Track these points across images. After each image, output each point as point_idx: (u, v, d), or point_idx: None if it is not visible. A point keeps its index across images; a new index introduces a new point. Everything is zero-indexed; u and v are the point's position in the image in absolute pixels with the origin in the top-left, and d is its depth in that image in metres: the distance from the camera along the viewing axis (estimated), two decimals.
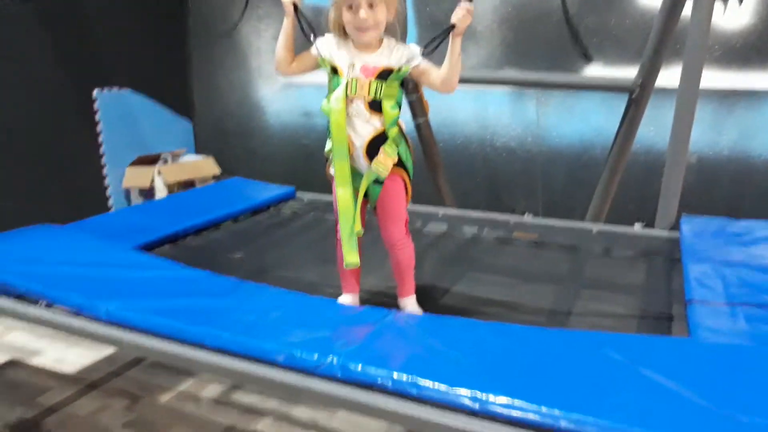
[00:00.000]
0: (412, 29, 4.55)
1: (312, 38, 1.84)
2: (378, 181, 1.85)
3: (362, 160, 1.82)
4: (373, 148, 1.81)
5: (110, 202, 4.94)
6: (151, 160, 5.05)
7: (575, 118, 4.22)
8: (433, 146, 3.55)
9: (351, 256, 1.83)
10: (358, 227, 1.84)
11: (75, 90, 4.62)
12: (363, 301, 2.01)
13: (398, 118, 1.84)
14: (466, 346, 1.59)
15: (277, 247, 2.65)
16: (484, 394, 1.35)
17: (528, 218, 2.84)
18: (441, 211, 3.02)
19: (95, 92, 4.76)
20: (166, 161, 5.11)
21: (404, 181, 1.88)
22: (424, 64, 1.80)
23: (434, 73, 1.79)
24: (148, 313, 1.79)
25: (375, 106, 1.78)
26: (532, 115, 4.35)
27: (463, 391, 1.37)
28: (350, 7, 1.73)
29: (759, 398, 1.30)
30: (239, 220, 3.02)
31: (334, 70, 1.81)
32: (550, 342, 1.60)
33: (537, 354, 1.54)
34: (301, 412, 2.53)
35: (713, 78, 3.85)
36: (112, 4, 4.71)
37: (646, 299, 2.07)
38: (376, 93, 1.77)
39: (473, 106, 4.53)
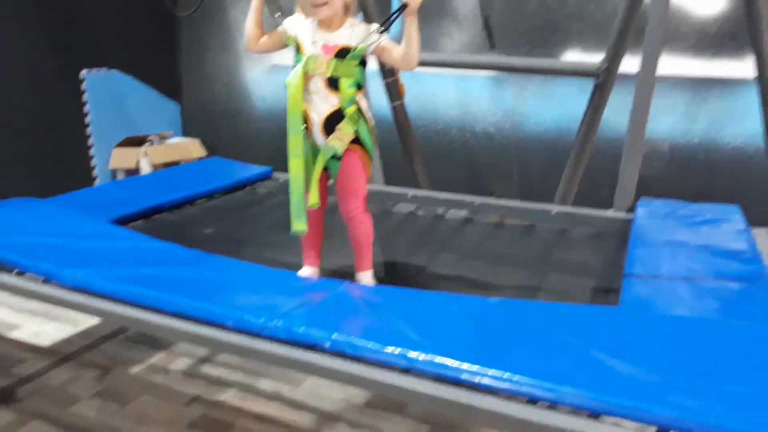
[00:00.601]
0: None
1: (277, 16, 1.91)
2: (337, 157, 1.93)
3: (320, 136, 1.91)
4: (330, 124, 1.89)
5: (96, 182, 5.03)
6: (137, 142, 5.13)
7: (553, 104, 4.30)
8: (408, 130, 3.63)
9: (298, 224, 1.91)
10: (314, 200, 1.93)
11: (63, 70, 4.70)
12: (326, 275, 2.10)
13: (355, 97, 1.90)
14: (406, 311, 1.69)
15: (248, 224, 2.74)
16: (414, 353, 1.45)
17: (493, 200, 2.93)
18: (411, 192, 3.11)
19: (83, 73, 4.83)
20: (152, 143, 5.19)
21: (363, 158, 1.96)
22: (385, 42, 1.86)
23: (395, 51, 1.86)
24: (111, 280, 1.88)
25: (333, 83, 1.86)
26: (512, 101, 4.43)
27: (393, 350, 1.47)
28: None
29: (664, 358, 1.40)
30: (214, 198, 3.11)
31: (298, 48, 1.90)
32: (481, 308, 1.70)
33: (467, 318, 1.65)
34: (266, 384, 2.63)
35: (687, 66, 3.93)
36: None
37: (592, 275, 2.17)
38: (333, 70, 1.85)
39: (454, 92, 4.61)
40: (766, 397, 1.24)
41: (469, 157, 4.65)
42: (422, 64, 3.45)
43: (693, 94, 3.93)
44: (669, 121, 4.01)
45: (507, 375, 1.34)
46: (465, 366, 1.38)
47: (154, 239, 2.27)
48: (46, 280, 2.00)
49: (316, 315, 1.68)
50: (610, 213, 2.71)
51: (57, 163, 4.71)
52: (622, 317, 1.65)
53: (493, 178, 4.59)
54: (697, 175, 3.94)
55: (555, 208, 2.81)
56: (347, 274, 2.07)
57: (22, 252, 2.07)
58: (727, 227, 2.37)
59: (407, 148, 3.66)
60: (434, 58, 3.88)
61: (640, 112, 2.63)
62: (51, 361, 2.83)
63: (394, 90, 3.47)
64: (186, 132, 5.75)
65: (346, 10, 1.88)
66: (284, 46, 1.96)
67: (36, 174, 4.41)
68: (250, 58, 5.36)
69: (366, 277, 2.06)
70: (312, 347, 1.58)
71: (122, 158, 5.02)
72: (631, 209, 2.69)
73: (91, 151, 5.03)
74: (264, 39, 1.96)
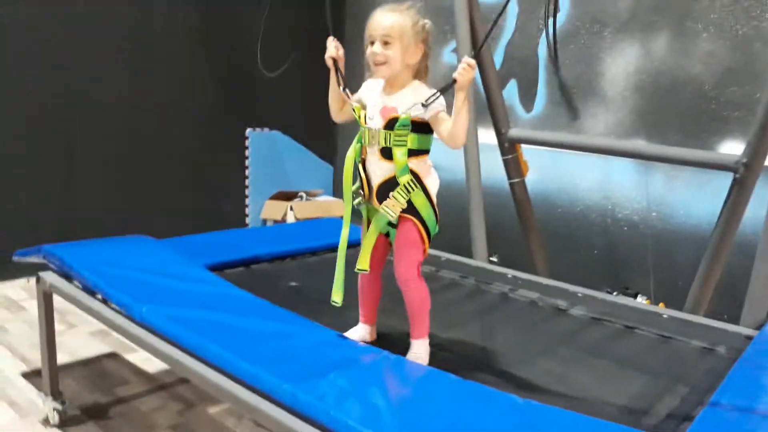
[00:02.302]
0: (542, 90, 4.52)
1: (344, 90, 1.97)
2: (394, 225, 1.92)
3: (375, 202, 1.90)
4: (384, 191, 1.88)
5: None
6: (288, 196, 5.50)
7: (706, 196, 3.85)
8: (526, 208, 3.46)
9: (336, 294, 1.96)
10: (364, 265, 1.92)
11: (231, 128, 5.24)
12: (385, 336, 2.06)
13: (409, 165, 1.84)
14: (433, 400, 1.55)
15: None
16: None
17: (599, 293, 2.65)
18: (511, 273, 2.92)
19: (248, 131, 5.34)
20: (301, 198, 5.53)
21: (417, 228, 1.90)
22: (441, 114, 1.82)
23: (444, 125, 1.81)
24: (169, 319, 1.99)
25: (386, 153, 1.85)
26: (659, 189, 4.05)
27: None
28: (371, 43, 1.85)
29: None
30: (318, 255, 3.19)
31: (360, 117, 1.92)
32: (509, 410, 1.50)
33: (493, 417, 1.46)
34: None
35: None
36: (274, 57, 5.28)
37: (677, 395, 1.83)
38: (385, 141, 1.84)
39: (597, 174, 4.33)
40: None
41: (608, 245, 4.29)
42: (560, 146, 3.33)
43: None
44: None
45: None
46: None
47: (230, 285, 2.36)
48: (122, 312, 2.17)
49: (327, 385, 1.60)
50: (732, 327, 2.30)
51: (217, 209, 5.20)
52: None
53: (633, 272, 4.17)
54: None
55: (667, 313, 2.45)
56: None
57: (108, 282, 2.27)
58: None
59: (525, 228, 3.47)
60: (572, 141, 3.70)
61: None
62: (149, 387, 3.02)
63: (513, 167, 3.35)
64: (336, 193, 6.05)
65: (413, 73, 1.87)
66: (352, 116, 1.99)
67: (197, 218, 4.88)
68: None
69: (418, 346, 1.96)
70: (312, 422, 1.50)
71: (272, 209, 5.40)
72: (761, 326, 2.26)
73: (247, 201, 5.49)
74: (346, 109, 2.01)
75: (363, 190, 1.92)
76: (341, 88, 1.97)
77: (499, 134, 3.49)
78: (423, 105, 1.80)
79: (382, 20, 1.82)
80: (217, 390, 1.73)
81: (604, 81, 4.20)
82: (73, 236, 3.08)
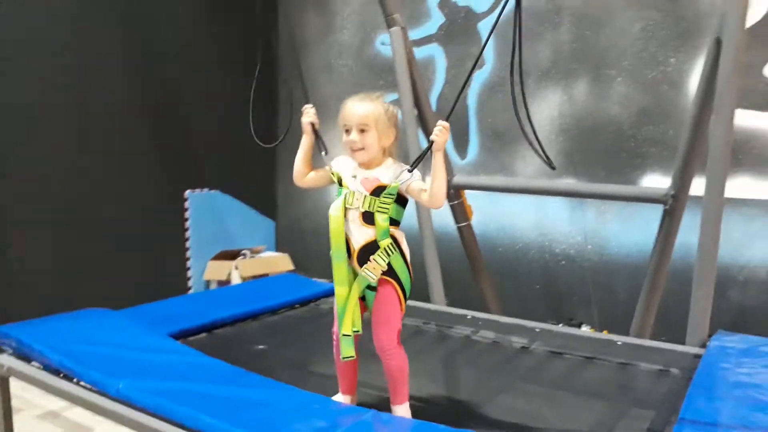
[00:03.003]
0: (474, 137, 4.76)
1: (324, 154, 2.06)
2: (372, 288, 1.97)
3: (356, 264, 1.96)
4: (365, 254, 1.94)
5: (190, 292, 5.34)
6: (231, 255, 5.45)
7: (635, 228, 4.14)
8: (475, 250, 3.61)
9: (345, 351, 1.94)
10: (348, 327, 1.94)
11: (169, 189, 5.18)
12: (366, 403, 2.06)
13: (389, 230, 1.94)
14: None
15: (303, 342, 2.77)
16: None
17: (554, 327, 2.80)
18: (470, 314, 3.04)
19: (187, 192, 5.29)
20: (245, 256, 5.49)
21: (396, 291, 1.96)
22: (415, 182, 1.93)
23: (423, 191, 1.91)
24: (146, 393, 1.97)
25: (368, 217, 1.94)
26: (592, 224, 4.32)
27: None
28: (347, 131, 1.95)
29: None
30: (278, 314, 3.20)
31: (341, 182, 2.01)
32: None
33: None
34: None
35: None
36: (214, 116, 5.31)
37: (645, 416, 1.97)
38: (369, 206, 1.93)
39: (533, 213, 4.57)
40: None
41: (548, 279, 4.51)
42: (497, 189, 3.50)
43: None
44: (765, 247, 3.71)
45: None
46: None
47: (200, 354, 2.35)
48: (96, 390, 2.12)
49: None
50: (679, 347, 2.49)
51: (156, 273, 5.07)
52: None
53: (574, 303, 4.39)
54: None
55: (621, 339, 2.62)
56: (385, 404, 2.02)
57: (77, 360, 2.21)
58: None
59: (474, 269, 3.62)
60: (507, 183, 3.93)
61: (708, 238, 2.47)
62: None
63: (459, 211, 3.50)
64: (279, 247, 6.05)
65: (385, 152, 1.98)
66: (330, 182, 2.07)
67: (136, 283, 4.75)
68: None
69: (400, 411, 2.00)
70: None
71: (215, 270, 5.33)
72: (705, 344, 2.46)
73: (188, 263, 5.39)
74: (311, 175, 2.09)
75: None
76: (323, 153, 2.05)
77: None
78: (409, 170, 1.91)
79: (356, 109, 1.93)
80: None
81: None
82: (9, 306, 2.95)
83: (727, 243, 3.53)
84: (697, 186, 2.98)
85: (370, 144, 1.93)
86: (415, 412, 1.98)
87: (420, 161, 1.93)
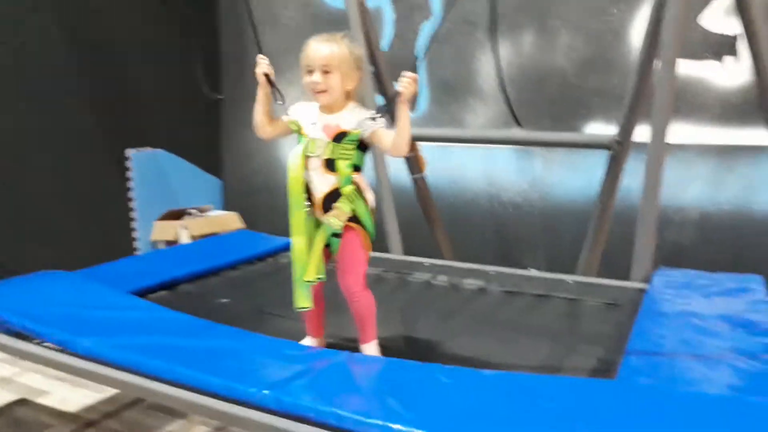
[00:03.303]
0: (424, 90, 4.79)
1: (281, 104, 2.04)
2: (337, 235, 2.00)
3: (320, 213, 1.98)
4: (329, 202, 1.97)
5: (137, 253, 5.24)
6: (178, 215, 5.35)
7: (580, 174, 4.30)
8: (428, 201, 3.69)
9: (301, 301, 1.97)
10: (315, 275, 1.98)
11: (110, 149, 5.01)
12: (333, 345, 2.12)
13: (352, 177, 1.97)
14: (397, 383, 1.69)
15: (263, 295, 2.80)
16: (397, 425, 1.45)
17: (509, 269, 2.92)
18: (428, 261, 3.13)
19: (129, 152, 5.14)
20: (192, 216, 5.41)
21: (361, 236, 2.01)
22: (378, 129, 1.94)
23: (386, 138, 1.94)
24: (117, 348, 1.96)
25: (330, 164, 1.95)
26: (539, 172, 4.46)
27: (375, 421, 1.47)
28: (309, 72, 1.94)
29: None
30: (237, 269, 3.20)
31: (300, 131, 2.00)
32: (473, 381, 1.68)
33: (458, 391, 1.63)
34: None
35: (713, 134, 3.89)
36: (153, 71, 5.12)
37: (598, 347, 2.12)
38: (331, 153, 1.94)
39: (482, 164, 4.67)
40: None
41: (498, 227, 4.66)
42: (447, 140, 3.56)
43: (720, 162, 3.88)
44: (697, 190, 3.94)
45: None
46: None
47: (166, 309, 2.35)
48: (63, 349, 2.10)
49: (305, 386, 1.69)
50: (625, 283, 2.66)
51: (101, 236, 4.94)
52: (615, 391, 1.61)
53: (523, 248, 4.56)
54: (728, 244, 3.82)
55: (571, 278, 2.77)
56: (354, 344, 2.09)
57: (40, 321, 2.18)
58: (745, 298, 2.30)
59: (429, 219, 3.71)
60: (458, 134, 3.99)
61: (652, 181, 2.62)
62: (74, 426, 2.89)
63: (413, 164, 3.56)
64: (227, 206, 5.97)
65: (348, 96, 1.99)
66: (290, 132, 2.06)
67: (80, 246, 4.63)
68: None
69: (370, 349, 2.07)
70: (299, 418, 1.59)
71: (163, 231, 5.23)
72: (649, 279, 2.63)
73: (134, 224, 5.27)
74: (272, 126, 2.08)
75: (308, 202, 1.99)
76: (279, 102, 2.03)
77: None
78: (372, 119, 1.92)
79: (320, 50, 1.91)
80: (192, 407, 1.76)
81: (480, 78, 4.54)
82: None
83: (663, 186, 3.75)
84: (640, 133, 3.14)
85: (334, 86, 1.92)
86: (383, 352, 2.06)
87: (384, 112, 1.95)
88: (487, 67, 4.49)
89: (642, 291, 2.52)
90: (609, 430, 1.40)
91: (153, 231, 5.25)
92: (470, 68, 4.56)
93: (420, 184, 3.65)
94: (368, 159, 2.07)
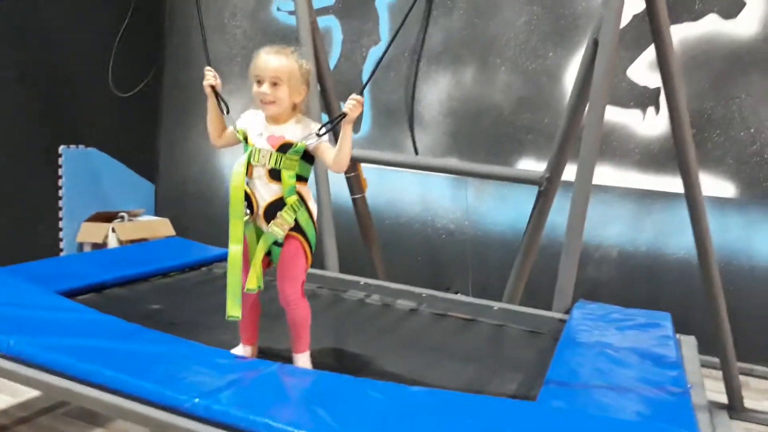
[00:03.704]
0: (367, 112, 4.89)
1: (227, 114, 2.08)
2: (279, 244, 2.04)
3: (262, 222, 2.02)
4: (272, 211, 2.01)
5: (62, 254, 5.05)
6: (108, 218, 5.20)
7: (509, 206, 4.49)
8: (367, 221, 3.77)
9: (234, 310, 1.99)
10: (255, 284, 2.01)
11: (42, 145, 4.84)
12: (266, 354, 2.14)
13: (296, 187, 2.02)
14: (326, 396, 1.74)
15: (195, 303, 2.79)
16: None
17: (440, 293, 3.03)
18: (363, 280, 3.20)
19: (61, 149, 4.98)
20: (122, 219, 5.27)
21: (302, 246, 2.06)
22: (321, 144, 2.01)
23: (328, 153, 2.02)
24: (43, 349, 1.92)
25: (275, 174, 2.00)
26: (471, 201, 4.63)
27: None
28: (259, 82, 1.99)
29: None
30: (170, 276, 3.17)
31: (246, 140, 2.04)
32: (400, 396, 1.75)
33: (385, 406, 1.69)
34: None
35: (633, 179, 4.17)
36: (90, 67, 5.01)
37: (521, 371, 2.24)
38: (276, 163, 1.99)
39: (418, 189, 4.80)
40: None
41: (430, 251, 4.79)
42: (386, 163, 3.65)
43: (639, 205, 4.15)
44: (617, 230, 4.20)
45: None
46: None
47: (94, 311, 2.31)
48: None
49: (236, 395, 1.72)
50: (547, 313, 2.81)
51: (27, 233, 4.75)
52: (534, 412, 1.72)
53: (452, 273, 4.70)
54: (643, 282, 4.08)
55: (497, 305, 2.90)
56: (287, 354, 2.12)
57: None
58: (654, 333, 2.47)
59: (366, 239, 3.79)
60: (396, 159, 4.12)
61: (576, 218, 2.79)
62: None
63: (355, 183, 3.64)
64: (159, 212, 5.85)
65: (294, 108, 2.05)
66: (238, 141, 2.09)
67: (5, 243, 4.44)
68: None
69: (302, 360, 2.11)
70: (229, 427, 1.61)
71: (90, 232, 5.07)
72: (569, 310, 2.79)
73: (61, 224, 5.09)
74: (222, 136, 2.12)
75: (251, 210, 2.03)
76: (225, 112, 2.07)
77: None
78: (318, 135, 1.98)
79: (270, 62, 1.96)
80: (120, 411, 1.75)
81: (421, 106, 4.69)
82: None
83: (586, 224, 3.98)
84: (568, 171, 3.34)
85: (282, 98, 1.98)
86: (314, 365, 2.10)
87: (329, 129, 2.02)
88: (429, 96, 4.65)
89: (562, 321, 2.67)
90: None
91: (80, 232, 5.08)
92: (412, 96, 4.71)
93: (360, 203, 3.73)
94: (311, 175, 2.13)
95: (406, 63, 4.72)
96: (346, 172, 3.69)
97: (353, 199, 3.76)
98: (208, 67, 2.11)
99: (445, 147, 4.65)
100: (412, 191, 4.82)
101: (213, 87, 2.08)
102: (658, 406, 1.86)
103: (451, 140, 4.63)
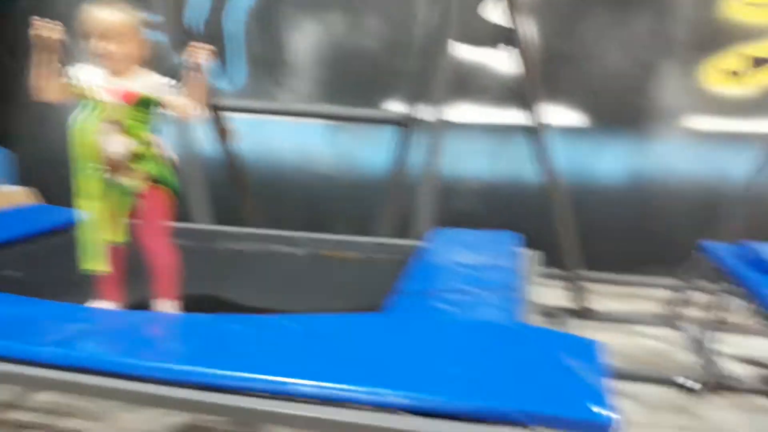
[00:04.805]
0: (242, 64, 4.87)
1: (65, 67, 2.05)
2: (137, 195, 2.08)
3: (117, 176, 2.04)
4: (124, 165, 2.03)
5: None
6: None
7: (383, 149, 4.67)
8: (237, 171, 3.83)
9: (96, 263, 2.04)
10: (118, 237, 2.05)
11: None
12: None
13: (147, 139, 2.06)
14: (191, 332, 1.86)
15: (63, 266, 2.75)
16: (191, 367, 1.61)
17: (306, 234, 3.17)
18: (231, 229, 3.28)
19: None
20: None
21: (163, 196, 2.11)
22: (171, 96, 2.06)
23: (176, 103, 2.07)
24: None
25: (125, 127, 2.02)
26: (347, 146, 4.77)
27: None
28: (91, 38, 1.98)
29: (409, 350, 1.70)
30: (34, 242, 3.10)
31: (87, 95, 2.03)
32: (257, 325, 1.90)
33: (244, 334, 1.83)
34: (75, 423, 2.67)
35: (493, 115, 4.47)
36: None
37: (375, 291, 2.43)
38: (125, 116, 2.01)
39: (294, 137, 4.88)
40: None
41: (308, 197, 4.91)
42: (259, 112, 3.69)
43: (497, 139, 4.46)
44: (479, 163, 4.50)
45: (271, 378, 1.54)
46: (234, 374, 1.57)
47: None
48: None
49: (97, 340, 1.78)
50: (405, 241, 3.03)
51: None
52: (377, 321, 1.91)
53: (333, 217, 4.86)
54: (504, 209, 4.43)
55: (359, 239, 3.09)
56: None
57: None
58: (497, 249, 2.75)
59: (237, 187, 3.86)
60: (268, 107, 4.17)
61: (432, 154, 3.00)
62: None
63: (223, 134, 3.68)
64: (23, 182, 5.56)
65: (134, 61, 2.05)
66: (73, 95, 2.06)
67: None
68: None
69: (167, 305, 2.18)
70: (93, 371, 1.68)
71: None
72: (422, 237, 3.02)
73: None
74: (61, 88, 2.04)
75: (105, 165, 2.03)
76: (63, 66, 2.04)
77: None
78: (170, 87, 2.02)
79: (102, 17, 1.95)
80: None
81: (292, 54, 4.73)
82: None
83: (449, 159, 4.23)
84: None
85: (117, 52, 1.98)
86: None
87: (180, 81, 2.06)
88: (301, 43, 4.69)
89: (417, 247, 2.90)
90: (367, 350, 1.69)
91: None
92: (283, 45, 4.73)
93: (228, 153, 3.77)
94: (174, 128, 2.17)
95: (274, 12, 4.72)
96: (215, 123, 3.70)
97: (224, 150, 3.79)
98: (45, 20, 2.00)
99: (317, 94, 4.73)
100: (289, 140, 4.89)
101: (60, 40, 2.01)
102: (493, 307, 2.10)
103: (324, 88, 4.72)
